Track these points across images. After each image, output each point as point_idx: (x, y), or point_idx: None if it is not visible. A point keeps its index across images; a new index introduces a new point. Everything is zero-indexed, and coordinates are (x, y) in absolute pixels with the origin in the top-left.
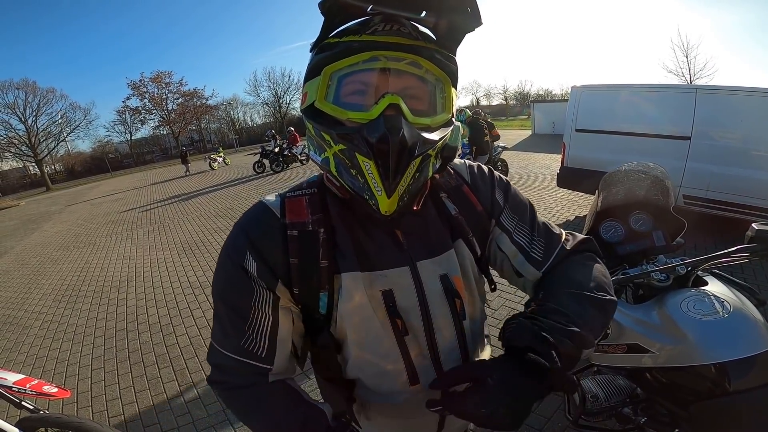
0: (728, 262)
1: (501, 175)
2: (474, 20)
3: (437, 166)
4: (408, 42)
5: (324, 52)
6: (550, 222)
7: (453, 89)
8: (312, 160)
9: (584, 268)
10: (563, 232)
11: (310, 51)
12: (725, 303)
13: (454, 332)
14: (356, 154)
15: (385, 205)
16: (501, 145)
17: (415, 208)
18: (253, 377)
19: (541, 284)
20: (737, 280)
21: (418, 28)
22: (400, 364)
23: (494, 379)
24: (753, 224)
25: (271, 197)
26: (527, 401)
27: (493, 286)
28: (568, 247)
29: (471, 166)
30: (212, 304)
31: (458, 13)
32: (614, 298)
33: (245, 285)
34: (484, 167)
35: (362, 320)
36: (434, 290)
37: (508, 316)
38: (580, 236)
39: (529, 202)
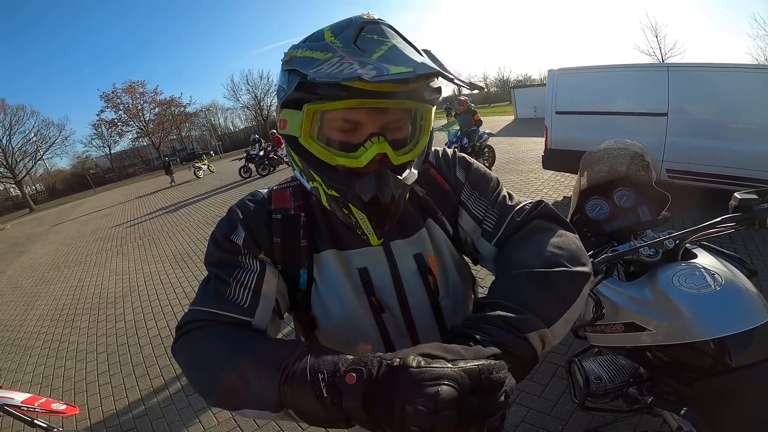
0: (715, 233)
1: (464, 155)
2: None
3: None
4: (394, 88)
5: (305, 90)
6: (513, 194)
7: (433, 108)
8: (299, 180)
9: (530, 239)
10: (523, 201)
11: (283, 69)
12: (716, 275)
13: (430, 309)
14: (350, 204)
15: (375, 242)
16: (486, 131)
17: None
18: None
19: (497, 263)
20: (726, 251)
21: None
22: (378, 341)
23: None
24: (735, 194)
25: (263, 189)
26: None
27: (475, 259)
28: (518, 218)
29: (436, 151)
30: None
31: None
32: (569, 267)
33: (232, 248)
34: (448, 150)
35: (340, 297)
36: (408, 268)
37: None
38: (533, 201)
39: (496, 178)
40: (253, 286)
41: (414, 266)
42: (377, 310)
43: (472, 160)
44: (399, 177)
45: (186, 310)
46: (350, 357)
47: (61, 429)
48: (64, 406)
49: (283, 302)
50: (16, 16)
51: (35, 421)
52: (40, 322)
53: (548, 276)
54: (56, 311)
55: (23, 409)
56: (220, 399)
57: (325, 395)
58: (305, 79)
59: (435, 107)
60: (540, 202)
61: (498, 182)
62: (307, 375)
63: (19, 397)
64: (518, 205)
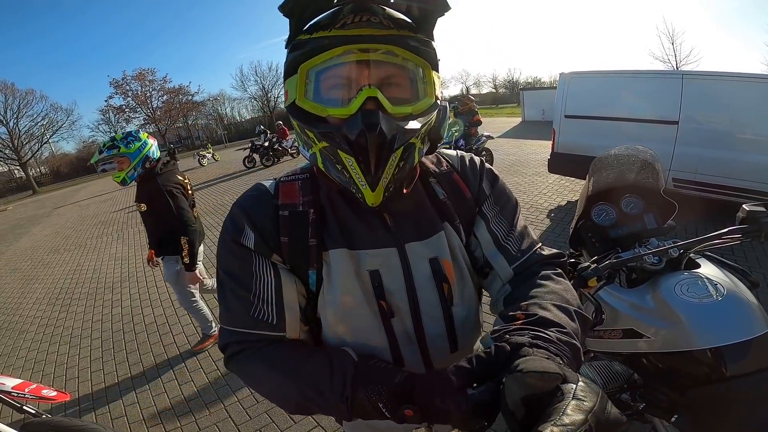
0: (720, 244)
1: (491, 168)
2: (441, 6)
3: (424, 150)
4: (380, 32)
5: (296, 50)
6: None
7: (434, 72)
8: (302, 154)
9: (562, 283)
10: (539, 242)
11: (285, 48)
12: (718, 285)
13: (441, 317)
14: (338, 151)
15: (371, 197)
16: (486, 134)
17: (405, 191)
18: (270, 343)
19: (514, 292)
20: (729, 262)
21: (391, 14)
22: (385, 346)
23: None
24: (744, 205)
25: (267, 181)
26: None
27: (478, 271)
28: (544, 253)
29: (462, 157)
30: (216, 302)
31: (424, 1)
32: (590, 319)
33: (245, 255)
34: (476, 158)
35: (348, 299)
36: (422, 273)
37: (500, 327)
38: (555, 250)
39: (516, 201)
40: (274, 300)
41: (429, 271)
42: (386, 314)
43: (498, 174)
44: (392, 118)
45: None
46: (401, 375)
47: (49, 415)
48: (55, 393)
49: (306, 308)
50: (31, 4)
51: (24, 407)
52: (36, 306)
53: (586, 318)
54: (53, 295)
55: (13, 395)
56: (297, 413)
57: (389, 416)
58: (297, 34)
59: (438, 73)
60: (562, 253)
61: (517, 203)
62: (368, 405)
63: (9, 382)
64: (539, 244)
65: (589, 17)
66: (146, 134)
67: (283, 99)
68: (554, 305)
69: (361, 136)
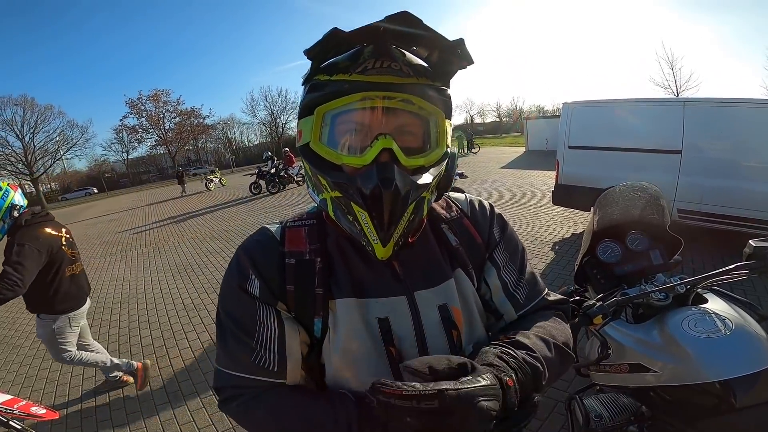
0: (727, 279)
1: (501, 213)
2: (464, 59)
3: (432, 200)
4: (399, 80)
5: (315, 91)
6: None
7: (447, 122)
8: (311, 197)
9: (557, 322)
10: (546, 288)
11: (302, 85)
12: (726, 320)
13: None
14: (351, 203)
15: (381, 252)
16: (458, 171)
17: (411, 240)
18: (269, 389)
19: (508, 326)
20: (737, 297)
21: (410, 61)
22: None
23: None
24: (750, 241)
25: (273, 225)
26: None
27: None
28: (550, 298)
29: (471, 201)
30: (214, 326)
31: (448, 52)
32: (574, 356)
33: (249, 302)
34: (485, 202)
35: (356, 347)
36: (432, 320)
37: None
38: (560, 296)
39: (523, 247)
40: (276, 348)
41: (438, 318)
42: (395, 360)
43: (507, 220)
44: (406, 173)
45: (182, 322)
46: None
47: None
48: (44, 411)
49: (307, 357)
50: (61, 19)
51: (10, 423)
52: (32, 322)
53: (567, 355)
54: None
55: (1, 410)
56: None
57: None
58: (316, 73)
59: (450, 121)
60: (566, 299)
61: (524, 249)
62: None
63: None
64: (545, 291)
65: (592, 45)
66: (6, 183)
67: (292, 125)
68: (536, 335)
69: (377, 191)
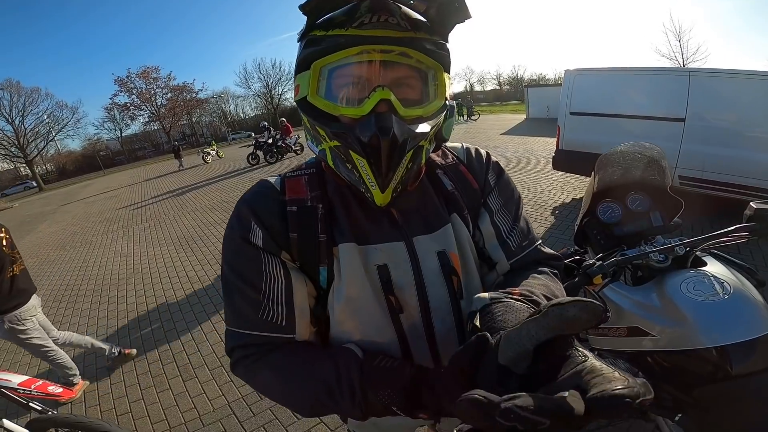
0: (727, 241)
1: (497, 161)
2: (462, 13)
3: (431, 150)
4: (396, 34)
5: (311, 46)
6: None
7: (446, 75)
8: (310, 149)
9: (555, 282)
10: (539, 239)
11: (298, 41)
12: (725, 284)
13: (450, 311)
14: (350, 151)
15: (380, 198)
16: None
17: (410, 188)
18: (278, 346)
19: (506, 281)
20: (736, 260)
21: (408, 14)
22: (394, 342)
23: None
24: (751, 203)
25: (272, 177)
26: None
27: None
28: (544, 250)
29: (468, 149)
30: (219, 297)
31: (446, 5)
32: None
33: (253, 254)
34: (482, 150)
35: (357, 295)
36: (431, 267)
37: (497, 294)
38: (553, 251)
39: (519, 195)
40: (284, 301)
41: (437, 265)
42: (395, 309)
43: (503, 168)
44: (404, 122)
45: (188, 294)
46: (407, 374)
47: (55, 412)
48: (61, 390)
49: (316, 310)
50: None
51: (30, 404)
52: (42, 302)
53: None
54: (59, 292)
55: (19, 392)
56: (312, 416)
57: (404, 414)
58: (312, 29)
59: (449, 74)
60: (560, 256)
61: (520, 197)
62: (380, 408)
63: (16, 379)
64: (539, 241)
65: (596, 14)
66: None
67: (287, 96)
68: (544, 295)
69: (375, 139)
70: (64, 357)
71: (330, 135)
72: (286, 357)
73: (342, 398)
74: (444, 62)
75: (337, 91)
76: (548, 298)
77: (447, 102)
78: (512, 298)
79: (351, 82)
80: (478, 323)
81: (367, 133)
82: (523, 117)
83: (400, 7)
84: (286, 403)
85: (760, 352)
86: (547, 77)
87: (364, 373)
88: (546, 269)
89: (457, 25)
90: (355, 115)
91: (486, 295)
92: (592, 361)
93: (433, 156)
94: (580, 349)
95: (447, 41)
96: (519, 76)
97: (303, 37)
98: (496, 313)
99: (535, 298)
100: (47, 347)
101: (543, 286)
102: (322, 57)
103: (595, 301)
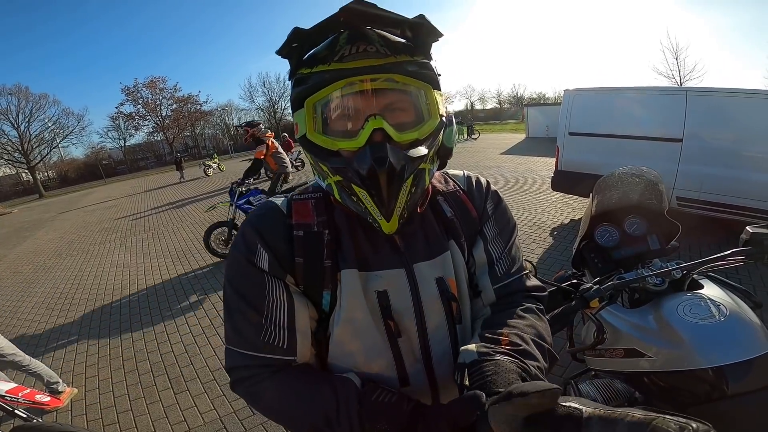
0: (723, 265)
1: (496, 190)
2: (433, 33)
3: (434, 170)
4: (378, 62)
5: (300, 85)
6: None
7: (436, 92)
8: (319, 184)
9: (542, 321)
10: (530, 269)
11: (289, 80)
12: (721, 306)
13: (447, 336)
14: (352, 184)
15: (387, 227)
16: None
17: (419, 210)
18: (279, 368)
19: (494, 317)
20: (733, 283)
21: (387, 39)
22: (391, 365)
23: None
24: (747, 227)
25: (278, 199)
26: None
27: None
28: (528, 283)
29: (469, 176)
30: (214, 311)
31: (417, 26)
32: (557, 358)
33: (258, 277)
34: (482, 178)
35: (357, 319)
36: (430, 293)
37: (485, 348)
38: (538, 282)
39: (514, 224)
40: (286, 325)
41: (436, 291)
42: (393, 334)
43: (502, 196)
44: (400, 148)
45: (182, 307)
46: (406, 410)
47: (40, 420)
48: (48, 398)
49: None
50: (55, 3)
51: (16, 411)
52: (35, 310)
53: (553, 358)
54: (53, 300)
55: (6, 399)
56: None
57: None
58: (298, 68)
59: (440, 91)
60: (545, 288)
61: (515, 226)
62: None
63: (3, 386)
64: (527, 269)
65: (595, 32)
66: None
67: (290, 111)
68: (533, 340)
69: (372, 171)
70: (41, 366)
71: (332, 170)
72: (287, 381)
73: (340, 429)
74: (431, 80)
75: (333, 125)
76: (536, 342)
77: (443, 118)
78: (501, 351)
79: (344, 115)
80: (467, 381)
81: (364, 165)
82: (522, 136)
83: (379, 34)
84: (285, 426)
85: (756, 372)
86: (546, 96)
87: (362, 406)
88: (533, 305)
89: (457, 41)
90: (352, 147)
91: (473, 347)
92: (588, 410)
93: (435, 182)
94: (572, 404)
95: (430, 59)
96: (519, 95)
97: (291, 76)
98: (485, 372)
99: (523, 347)
100: (20, 358)
101: (531, 327)
102: (311, 94)
103: (553, 387)
